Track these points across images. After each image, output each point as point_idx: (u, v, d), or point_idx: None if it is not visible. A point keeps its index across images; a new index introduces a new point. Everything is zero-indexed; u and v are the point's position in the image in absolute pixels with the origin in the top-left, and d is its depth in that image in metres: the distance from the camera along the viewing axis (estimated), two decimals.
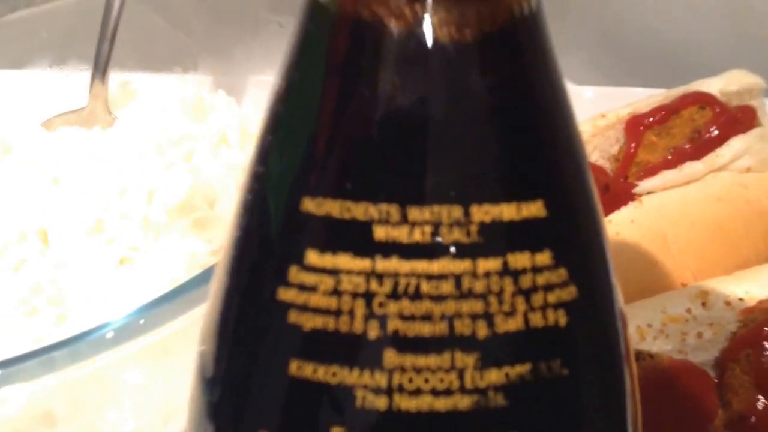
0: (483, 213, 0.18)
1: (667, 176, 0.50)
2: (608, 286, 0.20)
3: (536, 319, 0.18)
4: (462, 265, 0.18)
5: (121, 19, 0.55)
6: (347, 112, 0.19)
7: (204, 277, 0.35)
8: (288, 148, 0.19)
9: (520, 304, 0.18)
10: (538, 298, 0.18)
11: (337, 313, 0.18)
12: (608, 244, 0.21)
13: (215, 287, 0.21)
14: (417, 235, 0.18)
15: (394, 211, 0.18)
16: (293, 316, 0.19)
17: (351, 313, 0.18)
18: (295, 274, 0.19)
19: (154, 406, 0.38)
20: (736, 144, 0.50)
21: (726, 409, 0.42)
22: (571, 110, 0.20)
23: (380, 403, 0.18)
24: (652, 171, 0.51)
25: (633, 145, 0.52)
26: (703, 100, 0.52)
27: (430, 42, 0.18)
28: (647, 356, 0.41)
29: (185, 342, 0.34)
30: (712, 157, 0.51)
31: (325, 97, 0.19)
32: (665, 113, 0.52)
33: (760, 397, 0.41)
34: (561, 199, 0.19)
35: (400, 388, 0.18)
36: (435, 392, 0.18)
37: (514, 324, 0.18)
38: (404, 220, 0.18)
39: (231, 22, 0.58)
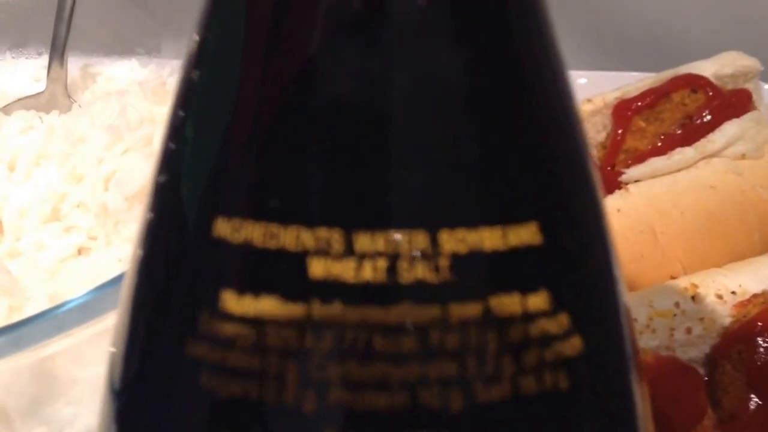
0: (456, 241, 0.13)
1: (656, 163, 0.46)
2: (622, 332, 0.14)
3: (529, 385, 0.13)
4: (428, 313, 0.13)
5: None
6: (273, 99, 0.13)
7: None
8: (196, 150, 0.14)
9: (508, 365, 0.13)
10: (531, 356, 0.13)
11: (262, 377, 0.13)
12: (622, 276, 0.15)
13: (119, 315, 0.15)
14: (367, 272, 0.13)
15: (336, 238, 0.13)
16: (205, 380, 0.13)
17: (280, 377, 0.13)
18: (206, 322, 0.13)
19: None
20: (729, 129, 0.46)
21: (716, 408, 0.38)
22: (575, 103, 0.15)
23: None
24: (640, 158, 0.46)
25: (620, 131, 0.48)
26: (695, 82, 0.48)
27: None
28: None
29: None
30: (704, 142, 0.46)
31: (244, 79, 0.13)
32: (655, 97, 0.47)
33: (753, 395, 0.38)
34: (561, 220, 0.14)
35: None
36: None
37: (499, 392, 0.13)
38: (350, 251, 0.13)
39: (196, 1, 0.53)
